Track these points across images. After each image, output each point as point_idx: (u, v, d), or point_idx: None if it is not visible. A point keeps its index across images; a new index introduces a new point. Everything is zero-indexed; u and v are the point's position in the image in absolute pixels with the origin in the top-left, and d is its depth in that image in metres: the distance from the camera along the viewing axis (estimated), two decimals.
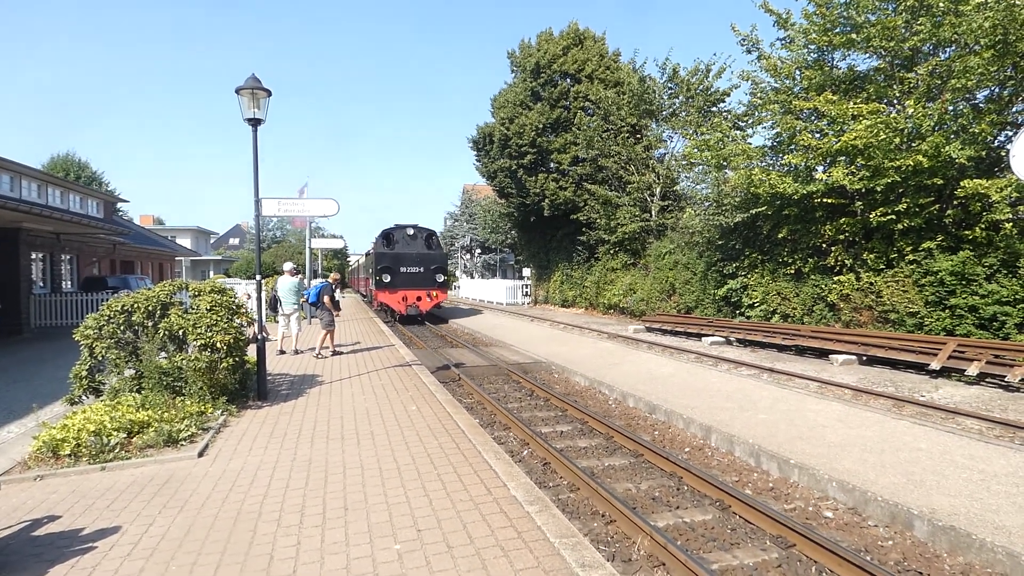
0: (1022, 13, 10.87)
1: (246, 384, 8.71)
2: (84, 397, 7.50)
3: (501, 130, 28.34)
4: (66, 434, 5.93)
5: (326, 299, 12.79)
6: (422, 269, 23.77)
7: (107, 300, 7.97)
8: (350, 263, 63.47)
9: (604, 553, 4.55)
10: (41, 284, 21.42)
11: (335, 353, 12.76)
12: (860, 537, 4.92)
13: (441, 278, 24.06)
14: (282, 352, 13.30)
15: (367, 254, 33.19)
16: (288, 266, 13.68)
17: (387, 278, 23.13)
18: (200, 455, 6.01)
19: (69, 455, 5.78)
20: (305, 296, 13.09)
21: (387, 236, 24.61)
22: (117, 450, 5.92)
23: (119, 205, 38.63)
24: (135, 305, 7.69)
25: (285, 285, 13.22)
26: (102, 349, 7.47)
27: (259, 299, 8.93)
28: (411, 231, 24.61)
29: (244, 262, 59.83)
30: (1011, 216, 11.65)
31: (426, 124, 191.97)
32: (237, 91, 8.34)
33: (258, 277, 9.02)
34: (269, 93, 8.42)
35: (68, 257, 24.15)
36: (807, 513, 5.42)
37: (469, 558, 3.82)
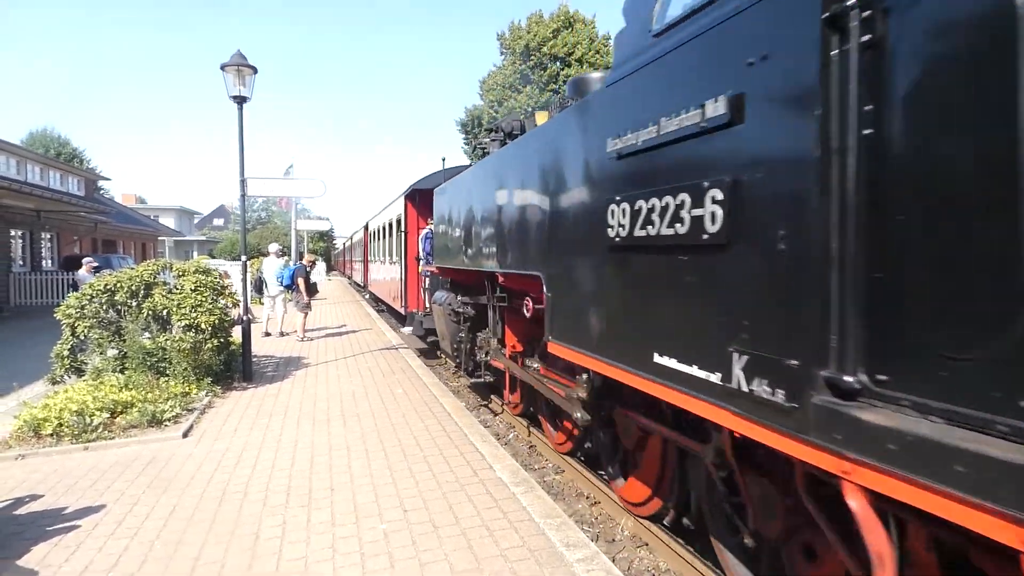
0: None
1: (231, 365, 8.66)
2: (66, 377, 7.42)
3: (490, 113, 28.13)
4: (48, 413, 5.86)
5: (300, 281, 12.66)
6: None
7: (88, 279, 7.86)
8: (336, 245, 62.91)
9: (588, 533, 4.60)
10: (21, 263, 21.07)
11: (304, 338, 12.65)
12: None
13: None
14: (267, 334, 13.21)
15: (406, 199, 12.73)
16: (274, 247, 13.55)
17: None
18: (185, 436, 5.98)
19: (51, 434, 5.73)
20: (279, 279, 12.92)
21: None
22: (100, 430, 5.87)
23: (100, 183, 38.04)
24: (118, 284, 7.60)
25: (271, 267, 13.11)
26: (84, 328, 7.38)
27: (244, 280, 8.86)
28: None
29: (229, 243, 59.08)
30: None
31: (410, 100, 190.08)
32: (222, 68, 8.20)
33: (243, 258, 8.94)
34: (255, 70, 8.29)
35: (49, 235, 23.75)
36: None
37: (455, 537, 3.85)
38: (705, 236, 2.55)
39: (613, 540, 4.60)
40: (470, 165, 9.34)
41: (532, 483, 4.82)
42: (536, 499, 4.47)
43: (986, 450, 1.48)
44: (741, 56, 2.36)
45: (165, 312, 7.59)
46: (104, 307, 7.55)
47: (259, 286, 13.34)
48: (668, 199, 2.80)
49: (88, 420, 5.88)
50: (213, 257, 47.89)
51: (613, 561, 3.97)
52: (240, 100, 8.28)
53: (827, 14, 1.93)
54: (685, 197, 2.68)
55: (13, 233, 20.17)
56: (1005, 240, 1.50)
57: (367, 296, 25.34)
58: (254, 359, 9.27)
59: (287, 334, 13.25)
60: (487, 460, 5.31)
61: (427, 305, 11.18)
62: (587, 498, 5.35)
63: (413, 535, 3.89)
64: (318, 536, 3.88)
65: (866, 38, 1.85)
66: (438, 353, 11.09)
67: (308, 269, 13.31)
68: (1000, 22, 1.49)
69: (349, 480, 4.85)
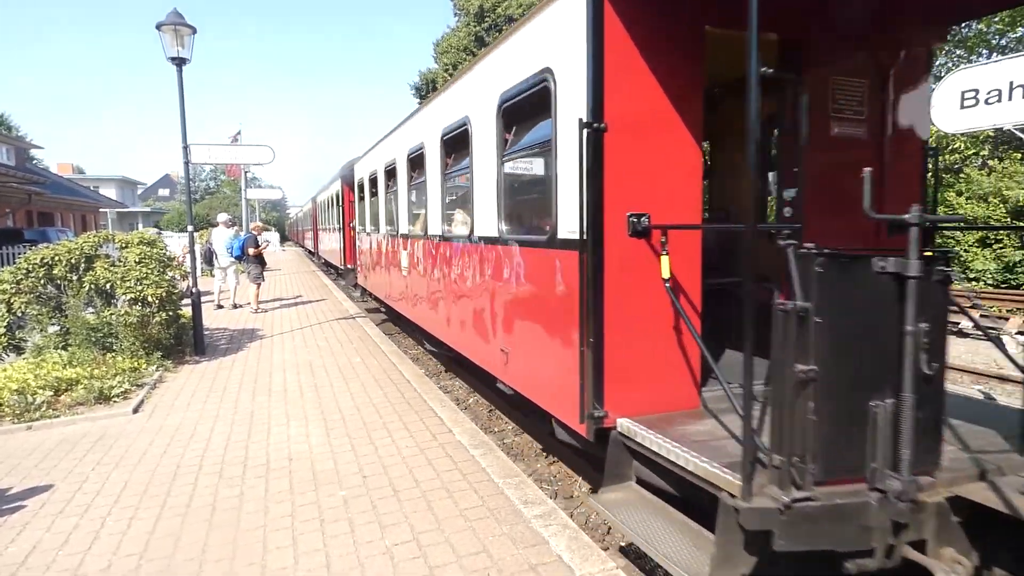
0: None
1: (182, 339, 8.43)
2: (3, 355, 7.11)
3: (444, 77, 27.54)
4: None
5: (251, 251, 12.29)
6: None
7: (24, 254, 7.49)
8: (289, 215, 61.34)
9: (547, 491, 4.72)
10: None
11: (258, 310, 12.37)
12: None
13: None
14: (220, 307, 12.87)
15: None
16: (223, 217, 13.10)
17: None
18: (135, 411, 5.83)
19: None
20: (229, 250, 12.50)
21: None
22: (44, 408, 5.67)
23: (32, 152, 35.95)
24: (56, 258, 7.26)
25: (220, 237, 12.69)
26: (21, 304, 7.05)
27: (192, 252, 8.58)
28: None
29: (176, 214, 56.85)
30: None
31: (362, 61, 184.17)
32: (158, 27, 7.77)
33: (190, 229, 8.63)
34: (194, 30, 7.89)
35: None
36: None
37: (415, 500, 3.89)
38: None
39: (571, 496, 4.73)
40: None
41: (491, 445, 4.89)
42: (495, 460, 4.54)
43: None
44: None
45: (109, 286, 7.31)
46: (42, 282, 7.21)
47: (209, 258, 12.92)
48: None
49: (30, 399, 5.67)
50: (160, 229, 46.13)
51: (571, 516, 4.10)
52: (179, 62, 7.88)
53: None
54: None
55: None
56: None
57: (321, 260, 25.61)
58: (207, 332, 9.04)
59: (240, 306, 12.94)
60: (446, 424, 5.36)
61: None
62: (546, 457, 5.47)
63: (373, 500, 3.91)
64: (276, 505, 3.87)
65: None
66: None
67: (258, 238, 12.84)
68: None
69: (307, 450, 4.83)
